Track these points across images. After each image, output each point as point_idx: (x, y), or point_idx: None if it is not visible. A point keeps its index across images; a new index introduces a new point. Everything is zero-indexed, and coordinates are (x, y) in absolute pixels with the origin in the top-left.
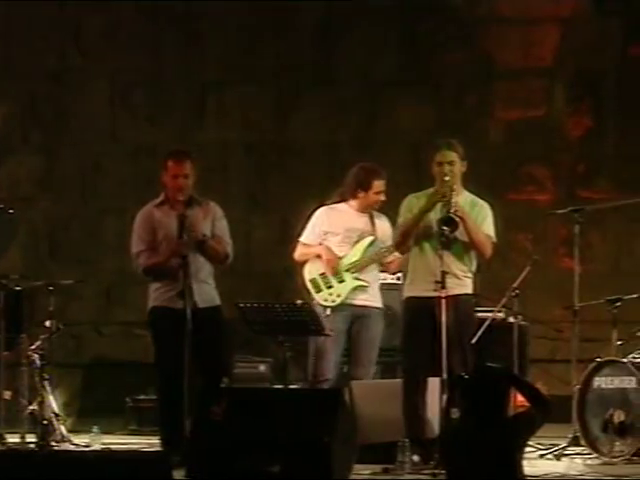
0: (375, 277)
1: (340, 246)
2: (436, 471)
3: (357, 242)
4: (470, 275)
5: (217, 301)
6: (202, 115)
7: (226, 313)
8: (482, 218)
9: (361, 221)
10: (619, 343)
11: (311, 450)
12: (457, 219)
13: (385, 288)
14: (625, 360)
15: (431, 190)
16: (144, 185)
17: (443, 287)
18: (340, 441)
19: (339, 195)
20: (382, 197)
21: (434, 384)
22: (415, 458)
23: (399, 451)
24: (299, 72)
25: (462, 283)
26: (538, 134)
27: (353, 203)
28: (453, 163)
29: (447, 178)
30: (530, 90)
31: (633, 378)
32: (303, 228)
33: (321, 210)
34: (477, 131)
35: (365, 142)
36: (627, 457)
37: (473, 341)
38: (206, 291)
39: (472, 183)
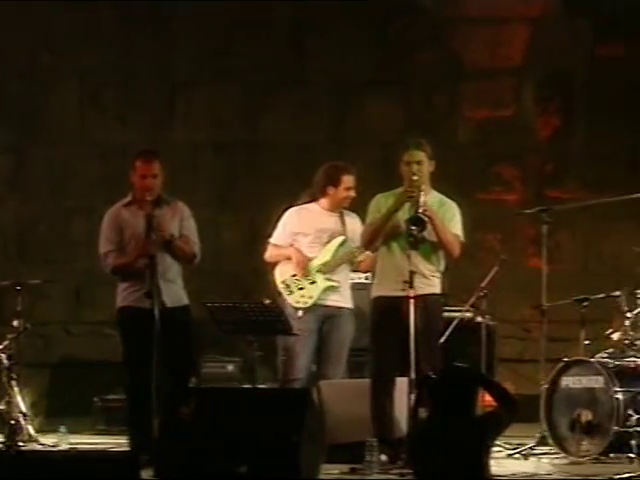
0: (346, 277)
1: (311, 247)
2: (404, 471)
3: (328, 242)
4: (438, 275)
5: (185, 301)
6: (172, 115)
7: (195, 313)
8: (450, 218)
9: (331, 221)
10: (587, 343)
11: (279, 450)
12: (425, 219)
13: (353, 288)
14: (593, 360)
15: (399, 190)
16: (114, 185)
17: (411, 287)
18: (308, 441)
19: (309, 195)
20: (352, 193)
21: (402, 384)
22: (383, 458)
23: (367, 451)
24: (269, 72)
25: (430, 283)
26: (507, 134)
27: (323, 202)
28: (421, 163)
29: (415, 178)
30: (499, 90)
31: (600, 378)
32: (273, 229)
33: (291, 211)
34: (446, 131)
35: (335, 142)
36: (594, 456)
37: (441, 341)
38: (174, 291)
39: (441, 183)
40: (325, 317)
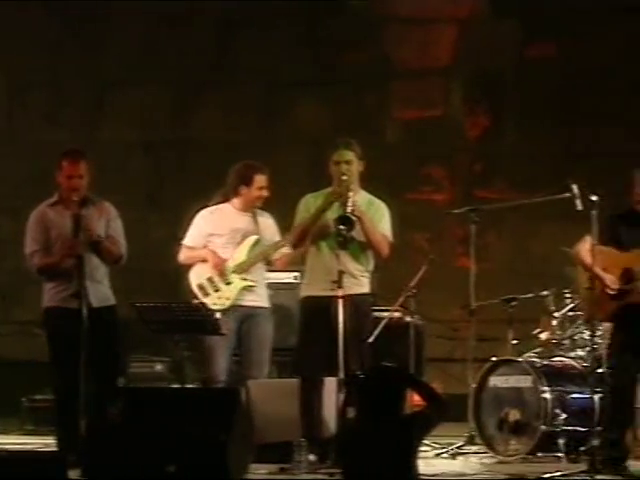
0: (262, 276)
1: (225, 247)
2: (332, 470)
3: (241, 243)
4: (367, 274)
5: (112, 301)
6: (101, 115)
7: (123, 313)
8: (379, 217)
9: (244, 221)
10: (515, 342)
11: (207, 449)
12: (354, 219)
13: (282, 287)
14: (520, 359)
15: (328, 190)
16: (41, 184)
17: (340, 286)
18: (237, 440)
19: (222, 195)
20: (265, 192)
21: (331, 383)
22: (311, 457)
23: (295, 450)
24: (199, 71)
25: (359, 282)
26: (436, 134)
27: (236, 202)
28: (350, 162)
29: (344, 177)
30: (428, 90)
31: (528, 377)
32: (185, 231)
33: (204, 212)
34: (375, 131)
35: (265, 141)
36: (522, 456)
37: (370, 340)
38: (101, 291)
39: (370, 182)
40: (243, 317)
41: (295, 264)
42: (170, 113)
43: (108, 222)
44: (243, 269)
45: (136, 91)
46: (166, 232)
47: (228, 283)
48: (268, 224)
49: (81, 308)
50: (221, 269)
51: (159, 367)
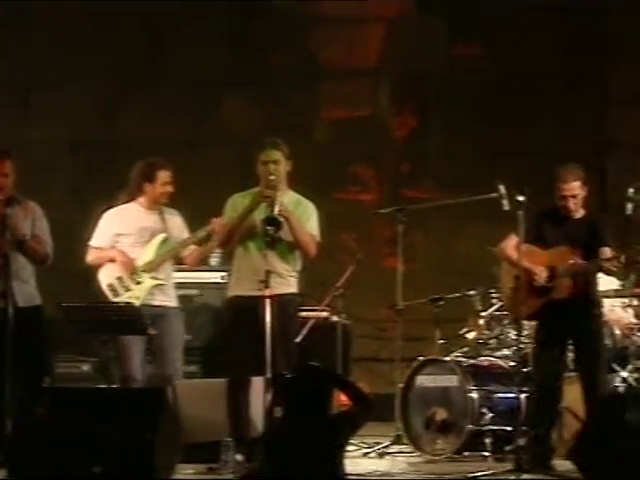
0: (170, 275)
1: (133, 247)
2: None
3: (149, 241)
4: (294, 274)
5: (38, 300)
6: (28, 114)
7: (50, 312)
8: (307, 217)
9: (151, 219)
10: (442, 342)
11: (134, 449)
12: (281, 219)
13: (209, 287)
14: (447, 359)
15: (256, 189)
16: None
17: (267, 286)
18: (163, 440)
19: (127, 195)
20: (169, 188)
21: (258, 383)
22: (238, 457)
23: (223, 450)
24: (126, 71)
25: (286, 282)
26: (363, 134)
27: (142, 200)
28: (278, 162)
29: (272, 177)
30: (355, 90)
31: (455, 377)
32: (92, 232)
33: (110, 212)
34: (303, 131)
35: (192, 141)
36: (449, 455)
37: (297, 340)
38: (27, 291)
39: (298, 183)
40: (154, 317)
41: (205, 262)
42: (97, 113)
43: (34, 221)
44: (152, 268)
45: (63, 91)
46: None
47: (138, 282)
48: (176, 221)
49: (7, 308)
50: (130, 268)
51: (85, 367)
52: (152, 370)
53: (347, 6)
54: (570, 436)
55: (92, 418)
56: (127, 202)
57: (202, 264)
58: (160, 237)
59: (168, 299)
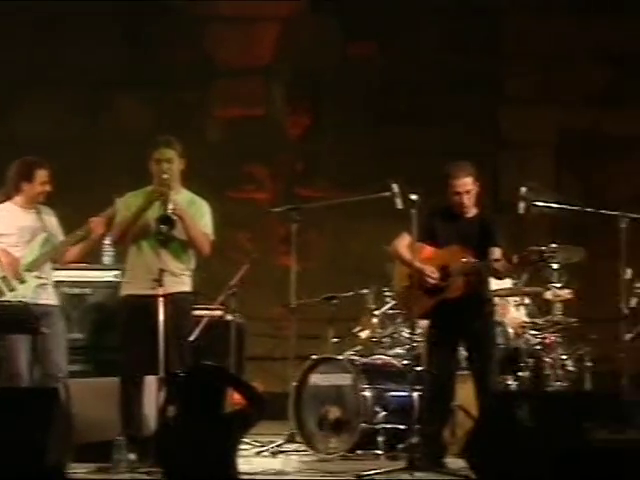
0: (50, 273)
1: (15, 246)
2: (152, 469)
3: (30, 240)
4: (188, 273)
5: None
6: None
7: None
8: (200, 216)
9: (30, 218)
10: (335, 340)
11: (25, 449)
12: (175, 217)
13: (102, 286)
14: (341, 357)
15: (149, 188)
16: None
17: (161, 285)
18: (55, 440)
19: (3, 194)
20: (47, 187)
21: (151, 382)
22: (131, 456)
23: (115, 450)
24: (20, 69)
25: (180, 281)
26: (257, 133)
27: (19, 199)
28: (171, 161)
29: (165, 176)
30: (249, 89)
31: (348, 375)
32: None
33: None
34: (197, 129)
35: (86, 140)
36: (342, 453)
37: (191, 339)
38: None
39: (191, 181)
40: (40, 316)
41: (84, 260)
42: None
43: None
44: (35, 267)
45: None
46: None
47: (22, 282)
48: (52, 220)
49: None
50: (14, 268)
51: None
52: (36, 369)
53: (242, 6)
54: (462, 434)
55: None
56: (3, 201)
57: (79, 263)
58: (42, 236)
59: (51, 298)
